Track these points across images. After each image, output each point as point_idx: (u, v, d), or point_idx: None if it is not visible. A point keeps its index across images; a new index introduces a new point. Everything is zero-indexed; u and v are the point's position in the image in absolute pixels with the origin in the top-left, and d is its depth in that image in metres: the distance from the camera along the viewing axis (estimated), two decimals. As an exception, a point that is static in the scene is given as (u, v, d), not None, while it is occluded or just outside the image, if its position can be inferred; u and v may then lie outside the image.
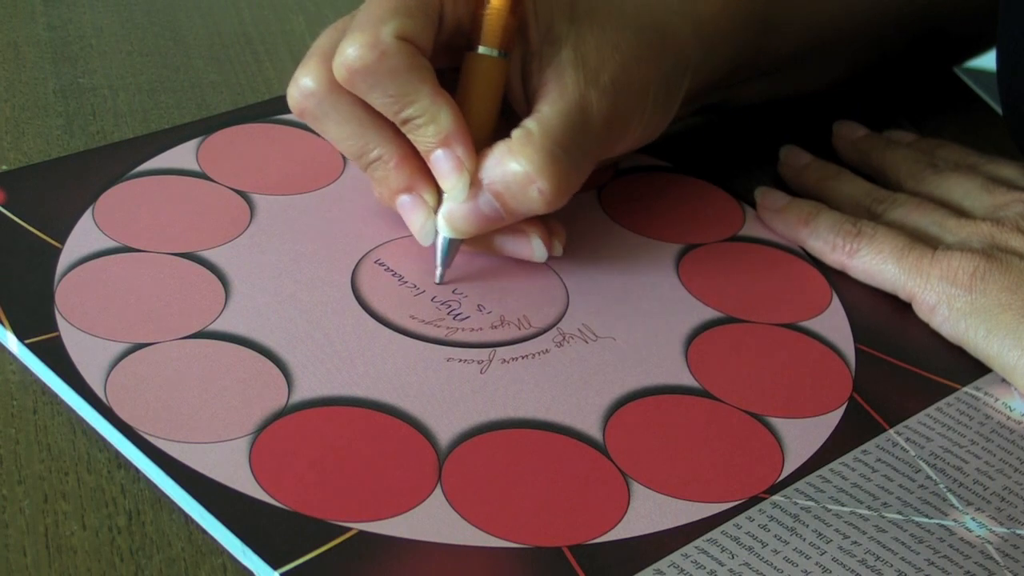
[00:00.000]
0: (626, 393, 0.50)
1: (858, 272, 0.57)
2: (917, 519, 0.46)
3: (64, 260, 0.52)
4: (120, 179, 0.57)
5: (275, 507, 0.43)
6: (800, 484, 0.47)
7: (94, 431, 0.46)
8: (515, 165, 0.51)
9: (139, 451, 0.45)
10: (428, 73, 0.50)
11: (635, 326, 0.53)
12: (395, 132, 0.52)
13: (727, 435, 0.49)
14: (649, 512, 0.45)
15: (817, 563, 0.44)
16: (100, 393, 0.47)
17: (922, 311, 0.55)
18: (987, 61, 0.69)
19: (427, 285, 0.54)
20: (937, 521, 0.46)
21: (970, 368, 0.53)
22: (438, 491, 0.45)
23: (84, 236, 0.54)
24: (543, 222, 0.54)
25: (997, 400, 0.52)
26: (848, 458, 0.48)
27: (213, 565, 0.42)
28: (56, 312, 0.50)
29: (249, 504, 0.43)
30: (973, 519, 0.47)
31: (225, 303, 0.51)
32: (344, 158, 0.60)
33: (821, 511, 0.46)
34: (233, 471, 0.44)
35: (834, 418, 0.50)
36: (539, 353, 0.51)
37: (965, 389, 0.52)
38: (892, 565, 0.44)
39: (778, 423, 0.50)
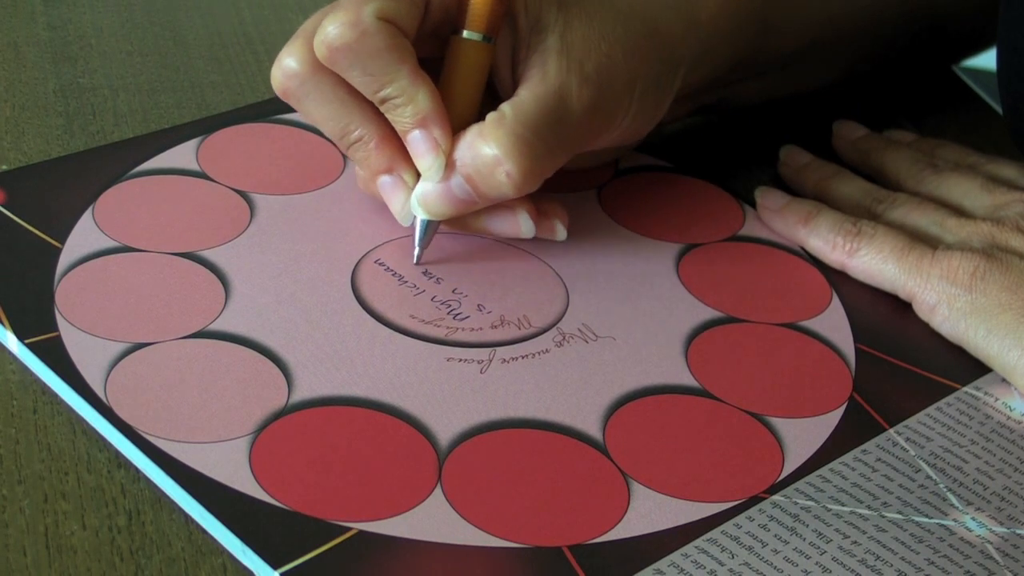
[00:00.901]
0: (626, 393, 0.50)
1: (858, 272, 0.57)
2: (917, 519, 0.46)
3: (64, 260, 0.52)
4: (120, 179, 0.57)
5: (275, 507, 0.43)
6: (800, 484, 0.47)
7: (94, 431, 0.46)
8: (485, 148, 0.51)
9: (139, 451, 0.45)
10: (408, 54, 0.51)
11: (635, 326, 0.53)
12: (376, 113, 0.52)
13: (727, 435, 0.49)
14: (649, 512, 0.45)
15: (817, 563, 0.44)
16: (100, 393, 0.47)
17: (922, 311, 0.55)
18: (987, 61, 0.69)
19: (427, 285, 0.54)
20: (937, 521, 0.46)
21: (970, 368, 0.53)
22: (438, 491, 0.45)
23: (84, 236, 0.54)
24: (533, 201, 0.54)
25: (997, 400, 0.52)
26: (848, 458, 0.48)
27: (213, 565, 0.42)
28: (56, 312, 0.50)
29: (249, 504, 0.43)
30: (973, 519, 0.47)
31: (225, 303, 0.51)
32: (344, 158, 0.60)
33: (821, 511, 0.46)
34: (233, 471, 0.44)
35: (834, 418, 0.50)
36: (539, 353, 0.51)
37: (965, 389, 0.52)
38: (892, 565, 0.44)
39: (778, 423, 0.50)
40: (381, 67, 0.50)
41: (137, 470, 0.45)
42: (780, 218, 0.60)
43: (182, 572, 0.42)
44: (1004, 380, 0.53)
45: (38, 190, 0.56)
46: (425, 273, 0.54)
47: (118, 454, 0.46)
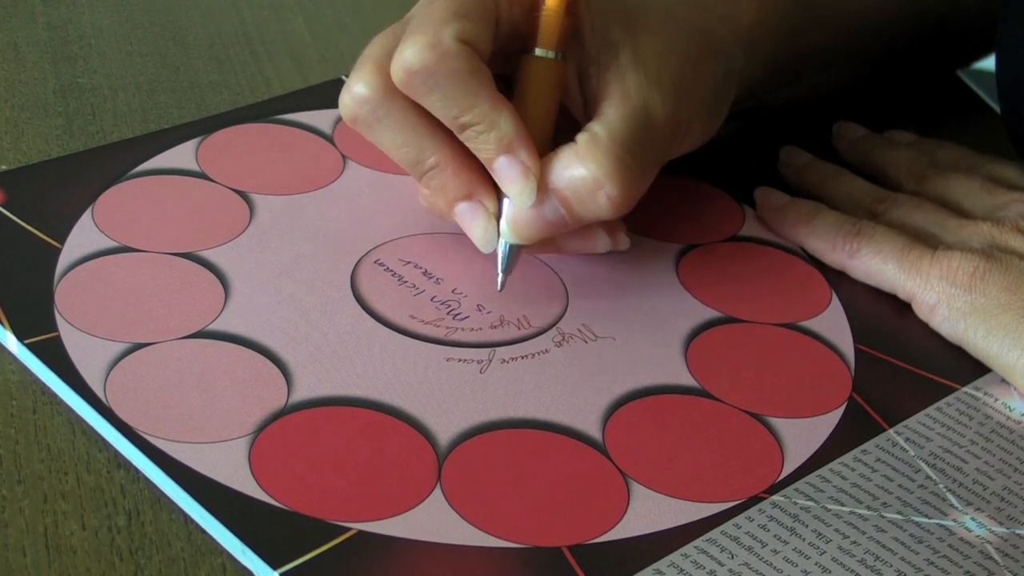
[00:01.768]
0: (626, 393, 0.50)
1: (858, 272, 0.57)
2: (917, 519, 0.46)
3: (64, 260, 0.52)
4: (120, 179, 0.57)
5: (275, 507, 0.43)
6: (800, 484, 0.47)
7: (94, 431, 0.46)
8: (583, 170, 0.50)
9: (138, 451, 0.45)
10: (487, 78, 0.49)
11: (635, 326, 0.53)
12: (451, 138, 0.51)
13: (727, 435, 0.49)
14: (649, 512, 0.45)
15: (817, 563, 0.44)
16: (100, 393, 0.47)
17: (922, 311, 0.55)
18: (988, 62, 0.69)
19: (427, 285, 0.54)
20: (937, 521, 0.46)
21: (970, 368, 0.53)
22: (437, 491, 0.45)
23: (84, 236, 0.54)
24: None
25: (997, 400, 0.52)
26: (848, 458, 0.48)
27: (213, 565, 0.42)
28: (56, 312, 0.50)
29: (249, 504, 0.43)
30: (973, 519, 0.47)
31: (225, 303, 0.51)
32: (344, 158, 0.60)
33: (821, 511, 0.46)
34: (233, 471, 0.44)
35: (834, 418, 0.50)
36: (539, 353, 0.51)
37: (965, 389, 0.52)
38: (892, 565, 0.44)
39: (778, 423, 0.50)
40: (461, 92, 0.49)
41: (137, 470, 0.45)
42: (780, 218, 0.60)
43: (182, 572, 0.42)
44: (1004, 380, 0.53)
45: (38, 190, 0.56)
46: (425, 273, 0.54)
47: (117, 454, 0.46)
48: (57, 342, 0.48)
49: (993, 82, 0.64)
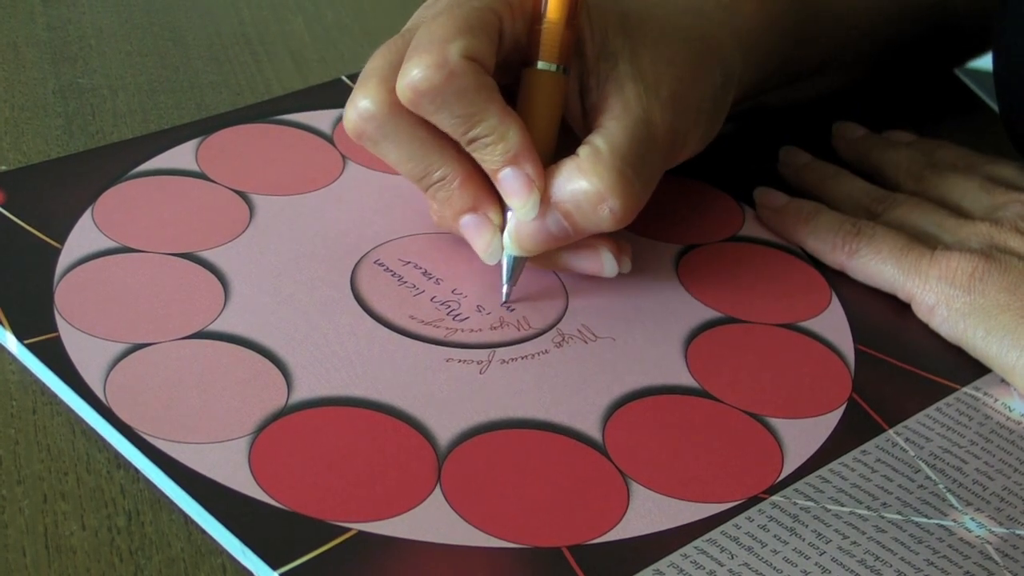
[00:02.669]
0: (626, 393, 0.50)
1: (857, 272, 0.57)
2: (916, 519, 0.46)
3: (64, 260, 0.52)
4: (119, 179, 0.57)
5: (274, 507, 0.43)
6: (799, 484, 0.47)
7: (93, 431, 0.46)
8: (585, 183, 0.50)
9: (138, 451, 0.45)
10: (494, 92, 0.49)
11: (635, 326, 0.53)
12: (457, 151, 0.51)
13: (727, 435, 0.49)
14: (648, 512, 0.45)
15: (817, 563, 0.44)
16: (99, 393, 0.47)
17: (921, 311, 0.55)
18: (986, 62, 0.69)
19: (427, 286, 0.54)
20: (936, 521, 0.46)
21: (970, 368, 0.53)
22: (437, 491, 0.45)
23: (83, 236, 0.54)
24: (612, 237, 0.54)
25: (997, 400, 0.52)
26: (848, 458, 0.48)
27: (212, 565, 0.42)
28: (56, 312, 0.50)
29: (248, 504, 0.43)
30: (972, 519, 0.47)
31: (224, 303, 0.51)
32: (344, 158, 0.60)
33: (820, 511, 0.46)
34: (232, 471, 0.44)
35: (833, 418, 0.50)
36: (539, 354, 0.51)
37: (965, 389, 0.52)
38: (891, 565, 0.44)
39: (777, 423, 0.50)
40: (470, 108, 0.49)
41: (136, 470, 0.45)
42: (780, 218, 0.60)
43: (181, 572, 0.42)
44: (1003, 381, 0.53)
45: (38, 190, 0.56)
46: (425, 273, 0.54)
47: (117, 454, 0.46)
48: (57, 342, 0.48)
49: (991, 81, 0.64)
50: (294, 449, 0.46)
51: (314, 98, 0.64)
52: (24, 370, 0.48)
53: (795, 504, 0.46)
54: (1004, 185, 0.59)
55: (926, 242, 0.56)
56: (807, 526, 0.45)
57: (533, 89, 0.51)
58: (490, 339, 0.52)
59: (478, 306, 0.53)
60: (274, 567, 0.41)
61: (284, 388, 0.48)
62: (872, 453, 0.49)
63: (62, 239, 0.53)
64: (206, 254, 0.54)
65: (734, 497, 0.46)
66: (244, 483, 0.44)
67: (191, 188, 0.57)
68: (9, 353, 0.49)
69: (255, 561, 0.42)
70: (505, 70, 0.52)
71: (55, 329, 0.49)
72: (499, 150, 0.50)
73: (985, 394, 0.52)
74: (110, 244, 0.53)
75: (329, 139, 0.61)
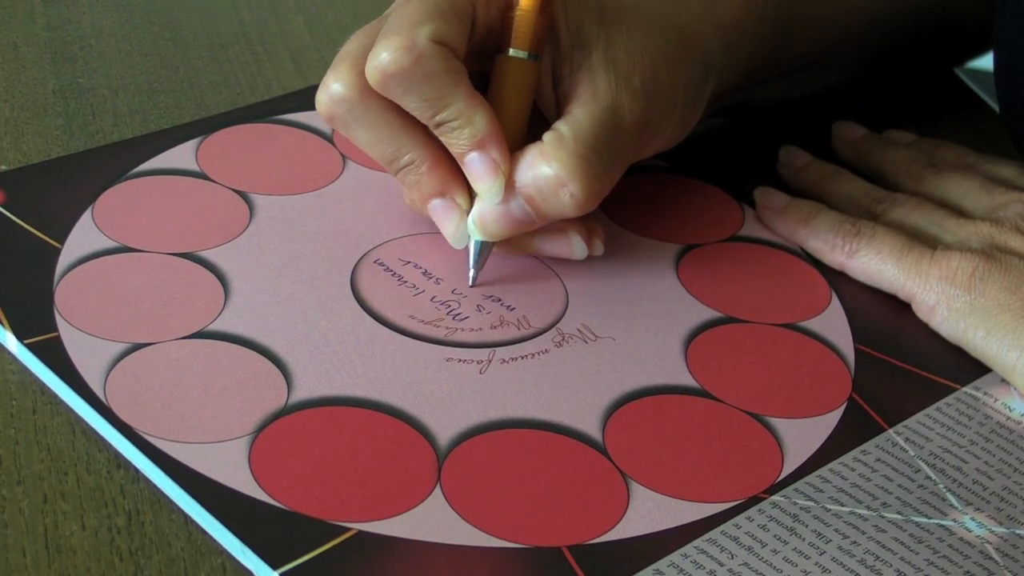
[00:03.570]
0: (625, 393, 0.50)
1: (857, 272, 0.57)
2: (917, 519, 0.46)
3: (64, 260, 0.52)
4: (119, 179, 0.57)
5: (275, 507, 0.43)
6: (799, 484, 0.47)
7: (93, 431, 0.46)
8: (547, 169, 0.50)
9: (138, 451, 0.45)
10: (463, 76, 0.50)
11: (635, 326, 0.53)
12: (427, 136, 0.51)
13: (727, 435, 0.49)
14: (648, 512, 0.45)
15: (817, 563, 0.44)
16: (99, 393, 0.47)
17: (921, 311, 0.55)
18: (986, 61, 0.69)
19: (426, 285, 0.54)
20: (936, 521, 0.46)
21: (970, 368, 0.53)
22: (437, 491, 0.45)
23: (83, 236, 0.54)
24: (582, 220, 0.54)
25: (997, 400, 0.52)
26: (848, 458, 0.48)
27: (212, 565, 0.42)
28: (56, 312, 0.50)
29: (248, 504, 0.43)
30: (972, 519, 0.47)
31: (224, 303, 0.51)
32: (344, 158, 0.60)
33: (820, 511, 0.46)
34: (232, 471, 0.44)
35: (833, 418, 0.50)
36: (538, 353, 0.51)
37: (965, 389, 0.52)
38: (892, 565, 0.44)
39: (777, 423, 0.50)
40: (438, 91, 0.49)
41: (136, 470, 0.45)
42: (780, 218, 0.60)
43: (181, 572, 0.42)
44: (1004, 380, 0.53)
45: (37, 190, 0.56)
46: (425, 273, 0.54)
47: (117, 454, 0.46)
48: (57, 342, 0.48)
49: (991, 81, 0.64)
50: (294, 449, 0.46)
51: (314, 98, 0.64)
52: (24, 370, 0.48)
53: (795, 504, 0.46)
54: (1004, 185, 0.59)
55: (926, 242, 0.56)
56: (807, 526, 0.45)
57: (504, 76, 0.52)
58: (490, 339, 0.52)
59: (478, 306, 0.53)
60: (274, 567, 0.41)
61: (284, 388, 0.48)
62: (872, 453, 0.49)
63: (62, 239, 0.53)
64: (206, 254, 0.54)
65: (734, 497, 0.46)
66: (244, 483, 0.44)
67: (191, 188, 0.57)
68: (9, 353, 0.49)
69: (255, 561, 0.42)
70: (480, 56, 0.52)
71: (55, 329, 0.49)
72: (466, 134, 0.50)
73: (985, 394, 0.52)
74: (110, 244, 0.53)
75: (329, 139, 0.61)
